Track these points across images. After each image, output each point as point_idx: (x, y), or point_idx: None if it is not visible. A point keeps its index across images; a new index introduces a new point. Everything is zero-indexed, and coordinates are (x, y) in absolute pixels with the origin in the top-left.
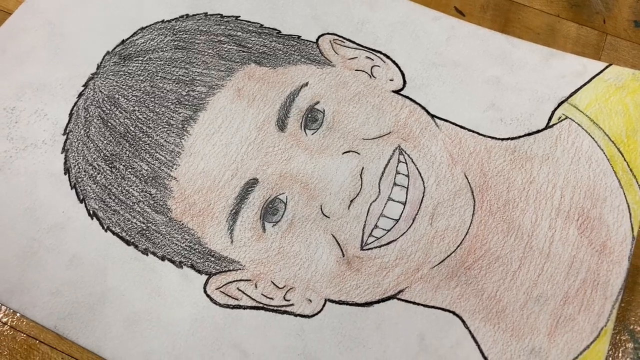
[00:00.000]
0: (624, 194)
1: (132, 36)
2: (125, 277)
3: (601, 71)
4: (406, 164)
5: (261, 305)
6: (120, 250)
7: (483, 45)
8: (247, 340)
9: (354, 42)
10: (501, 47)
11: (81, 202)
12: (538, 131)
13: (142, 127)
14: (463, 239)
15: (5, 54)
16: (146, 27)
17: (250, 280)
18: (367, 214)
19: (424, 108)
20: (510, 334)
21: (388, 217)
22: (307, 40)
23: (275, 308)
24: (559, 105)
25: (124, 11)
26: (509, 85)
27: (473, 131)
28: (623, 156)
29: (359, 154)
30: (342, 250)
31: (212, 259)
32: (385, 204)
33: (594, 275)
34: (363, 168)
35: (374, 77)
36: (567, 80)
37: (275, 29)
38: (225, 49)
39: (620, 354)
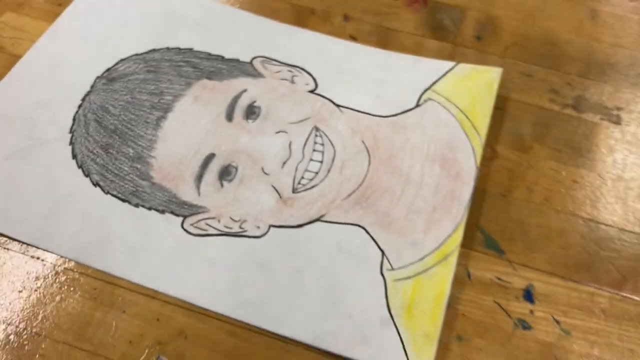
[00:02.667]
0: (470, 142)
1: (114, 65)
2: (124, 223)
3: (452, 67)
4: (321, 137)
5: (223, 232)
6: (118, 206)
7: (370, 58)
8: (215, 256)
9: (278, 61)
10: (383, 58)
11: (86, 176)
12: (410, 109)
13: (127, 125)
14: (363, 181)
15: (22, 82)
16: (124, 58)
17: (214, 217)
18: (296, 170)
19: (331, 101)
20: (397, 235)
21: (310, 171)
22: (244, 61)
23: (234, 234)
24: (424, 92)
25: (108, 49)
26: (390, 83)
27: (366, 113)
28: (468, 119)
29: (287, 132)
30: (279, 194)
31: (186, 206)
32: (308, 163)
33: (452, 193)
34: (291, 141)
35: (294, 83)
36: (429, 75)
37: (220, 55)
38: (184, 70)
39: (471, 240)
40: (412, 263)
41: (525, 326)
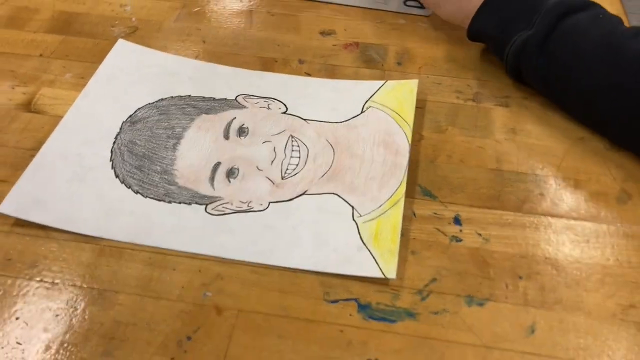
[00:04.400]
0: (403, 130)
1: (134, 113)
2: (163, 215)
3: (383, 84)
4: (296, 141)
5: (236, 211)
6: (156, 204)
7: (323, 85)
8: (234, 226)
9: (255, 96)
10: (332, 84)
11: (128, 188)
12: (358, 115)
13: (152, 151)
14: (331, 165)
15: (69, 131)
16: (141, 107)
17: (228, 202)
18: (281, 165)
19: (299, 117)
20: (360, 195)
21: (292, 164)
22: (230, 99)
23: (244, 210)
24: (365, 102)
25: (127, 102)
26: (340, 100)
27: (326, 121)
28: (399, 115)
29: (271, 141)
30: (272, 182)
31: (206, 198)
32: (290, 159)
33: (394, 163)
34: (275, 146)
35: (270, 109)
36: (367, 91)
37: (212, 97)
38: (187, 110)
39: (413, 192)
40: (374, 210)
41: (458, 240)
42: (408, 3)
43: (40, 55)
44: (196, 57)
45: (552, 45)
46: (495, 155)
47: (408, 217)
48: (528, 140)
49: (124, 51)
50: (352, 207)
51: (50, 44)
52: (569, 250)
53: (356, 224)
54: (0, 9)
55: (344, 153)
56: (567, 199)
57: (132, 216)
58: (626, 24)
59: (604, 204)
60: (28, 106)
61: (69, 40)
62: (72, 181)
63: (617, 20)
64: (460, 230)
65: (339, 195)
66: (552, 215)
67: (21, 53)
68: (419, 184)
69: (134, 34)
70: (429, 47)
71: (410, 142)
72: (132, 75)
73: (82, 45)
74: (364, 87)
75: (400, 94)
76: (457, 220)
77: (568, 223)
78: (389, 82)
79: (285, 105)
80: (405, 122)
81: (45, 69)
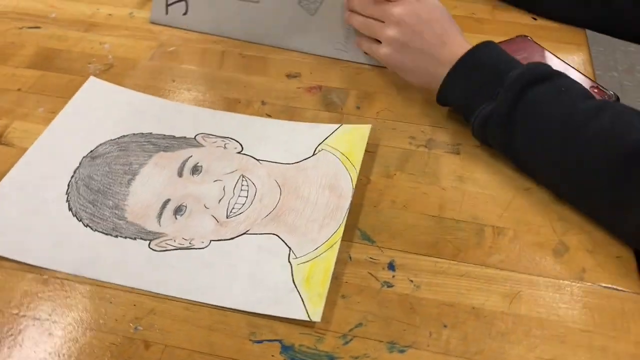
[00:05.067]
0: (349, 173)
1: (95, 148)
2: (108, 248)
3: (337, 128)
4: (246, 181)
5: (178, 247)
6: (103, 238)
7: (281, 127)
8: (174, 263)
9: (214, 135)
10: (290, 126)
11: (79, 221)
12: (309, 157)
13: (107, 186)
14: (276, 206)
15: (31, 163)
16: (102, 143)
17: (171, 239)
18: (228, 204)
19: (253, 157)
20: (300, 236)
21: (239, 204)
22: (190, 138)
23: (185, 247)
24: (318, 145)
25: (90, 137)
26: (294, 142)
27: (278, 162)
28: (348, 159)
29: (222, 180)
30: (217, 220)
31: (151, 234)
32: (237, 198)
33: (337, 206)
34: (224, 185)
35: (226, 148)
36: (322, 134)
37: (172, 135)
38: (146, 147)
39: (352, 236)
40: (310, 252)
41: (389, 285)
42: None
43: (19, 89)
44: (164, 96)
45: (514, 121)
46: (438, 202)
47: (344, 260)
48: (474, 189)
49: (93, 88)
50: (290, 249)
51: (29, 79)
52: (497, 301)
53: (291, 265)
54: None
55: (290, 194)
56: (503, 249)
57: (79, 249)
58: (592, 76)
59: (540, 256)
60: (0, 138)
61: (47, 75)
62: (26, 213)
63: (580, 92)
64: (393, 276)
65: (278, 236)
66: (486, 265)
67: (0, 87)
68: (359, 228)
69: (108, 71)
70: (390, 92)
71: (354, 186)
72: (98, 112)
73: (58, 81)
74: (320, 130)
75: (352, 138)
76: (391, 266)
77: (500, 273)
78: (344, 126)
79: (242, 145)
80: (353, 166)
81: (21, 103)
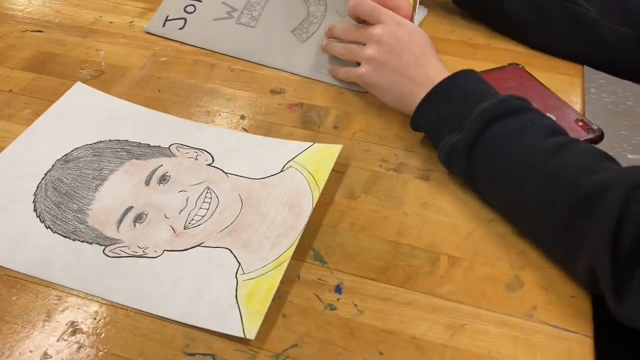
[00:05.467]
0: (311, 192)
1: (70, 152)
2: (65, 251)
3: (310, 146)
4: (210, 193)
5: (131, 255)
6: (62, 240)
7: (254, 142)
8: (124, 271)
9: (188, 146)
10: (263, 142)
11: (41, 222)
12: (276, 174)
13: (75, 189)
14: (234, 220)
15: (4, 163)
16: (78, 147)
17: (126, 245)
18: (188, 215)
19: (222, 170)
20: (251, 253)
21: (199, 215)
22: (164, 147)
23: (138, 255)
24: (287, 162)
25: (67, 141)
26: (265, 157)
27: (244, 177)
28: (313, 178)
29: (186, 191)
30: (174, 230)
31: (108, 239)
32: (198, 210)
33: (293, 225)
34: (188, 197)
35: (197, 160)
36: (293, 152)
37: (147, 143)
38: (120, 154)
39: (304, 255)
40: (257, 269)
41: (332, 308)
42: None
43: (10, 90)
44: (147, 104)
45: (477, 153)
46: (398, 227)
47: (292, 279)
48: (436, 216)
49: (79, 93)
50: (239, 264)
51: (21, 81)
52: (439, 332)
53: (237, 281)
54: None
55: (251, 209)
56: (455, 279)
57: (36, 249)
58: (581, 109)
59: (492, 289)
60: None
61: (39, 78)
62: None
63: (546, 128)
64: (338, 299)
65: (231, 251)
66: (434, 295)
67: None
68: (314, 248)
69: (99, 78)
70: (370, 113)
71: (314, 205)
72: (79, 117)
73: (49, 84)
74: (291, 147)
75: (321, 157)
76: (338, 289)
77: (447, 304)
78: (316, 144)
79: (212, 158)
80: (317, 185)
81: (9, 104)
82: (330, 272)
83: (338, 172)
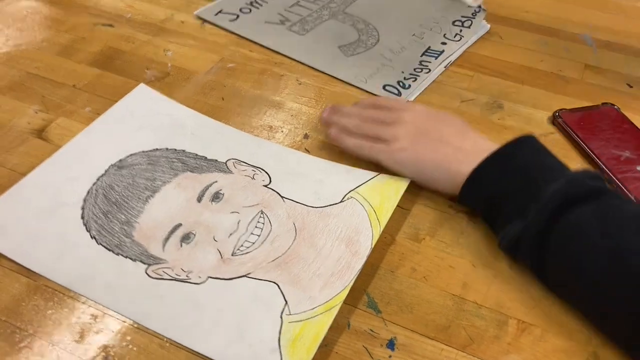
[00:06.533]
0: (372, 229)
1: (125, 158)
2: (107, 265)
3: (374, 176)
4: (264, 218)
5: (173, 278)
6: (105, 253)
7: (315, 165)
8: (163, 295)
9: (246, 163)
10: (325, 166)
11: (87, 231)
12: (336, 203)
13: (125, 199)
14: (286, 251)
15: (59, 163)
16: (134, 153)
17: (170, 267)
18: (238, 240)
19: (278, 193)
20: (300, 290)
21: (249, 242)
22: (221, 161)
23: (181, 280)
24: (349, 192)
25: (123, 146)
26: (326, 184)
27: (302, 203)
28: (375, 213)
29: (239, 213)
30: (221, 255)
31: (152, 258)
32: (249, 235)
33: (348, 264)
34: (240, 219)
35: (254, 179)
36: (356, 181)
37: (204, 156)
38: (175, 164)
39: (357, 300)
40: (305, 311)
41: None
42: (387, 88)
43: (74, 86)
44: (209, 113)
45: (548, 247)
46: (464, 279)
47: (342, 326)
48: (508, 272)
49: (140, 96)
50: (286, 302)
51: (86, 77)
52: None
53: (282, 321)
54: (62, 37)
55: (305, 241)
56: (524, 349)
57: (79, 262)
58: None
59: None
60: (41, 133)
61: (104, 75)
62: (41, 214)
63: (632, 219)
64: (390, 357)
65: (278, 286)
66: None
67: (58, 81)
68: (368, 293)
69: (163, 80)
70: None
71: (373, 245)
72: (139, 120)
73: (112, 82)
74: (354, 176)
75: (385, 191)
76: (391, 344)
77: None
78: (381, 175)
79: (270, 178)
80: (378, 221)
81: (72, 100)
82: (384, 324)
83: (403, 209)
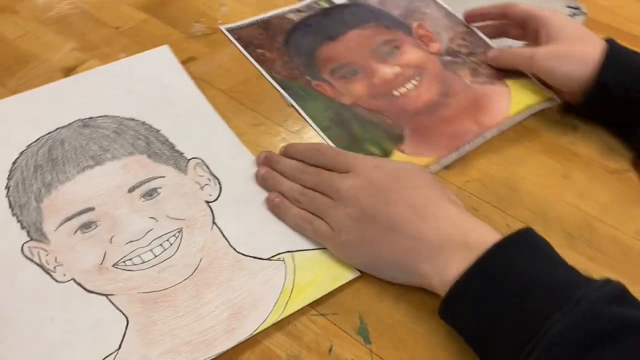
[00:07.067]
0: (272, 310)
1: (96, 117)
2: None
3: (321, 248)
4: (176, 239)
5: (38, 264)
6: (3, 208)
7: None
8: (18, 280)
9: (208, 169)
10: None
11: (7, 178)
12: (260, 259)
13: (64, 160)
14: (165, 289)
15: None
16: (106, 115)
17: (46, 252)
18: (131, 252)
19: (214, 215)
20: (142, 344)
21: (141, 259)
22: (184, 156)
23: (45, 269)
24: (283, 252)
25: (105, 105)
26: (267, 230)
27: (228, 241)
28: (292, 291)
29: (156, 222)
30: (103, 261)
31: (39, 234)
32: (146, 252)
33: (211, 341)
34: (151, 229)
35: (202, 190)
36: (301, 242)
37: (173, 145)
38: (138, 143)
39: (347, 323)
40: None
41: None
42: None
43: (117, 28)
44: (224, 97)
45: None
46: None
47: (323, 349)
48: None
49: (156, 58)
50: (119, 349)
51: (132, 20)
52: None
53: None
54: None
55: (194, 286)
56: None
57: None
58: None
59: None
60: (69, 71)
61: (150, 22)
62: None
63: None
64: None
65: (127, 325)
66: None
67: (102, 20)
68: (362, 317)
69: (208, 37)
70: (493, 161)
71: (256, 331)
72: (134, 84)
73: (156, 31)
74: (302, 236)
75: (324, 271)
76: None
77: None
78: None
79: (219, 195)
80: (286, 305)
81: (110, 43)
82: (370, 357)
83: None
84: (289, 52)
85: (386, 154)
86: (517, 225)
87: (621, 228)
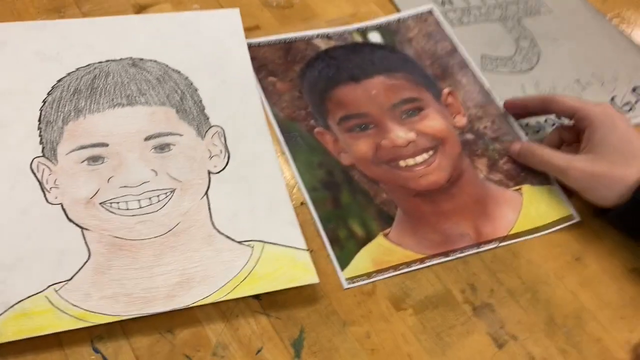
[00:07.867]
0: (217, 292)
1: (147, 60)
2: (20, 127)
3: (304, 249)
4: (166, 197)
5: (40, 181)
6: (33, 119)
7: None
8: (21, 188)
9: (225, 141)
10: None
11: (48, 93)
12: (231, 239)
13: (102, 92)
14: (133, 240)
15: (87, 28)
16: (156, 60)
17: (50, 171)
18: (122, 197)
19: (208, 187)
20: (89, 284)
21: (127, 208)
22: (209, 122)
23: (42, 188)
24: (256, 240)
25: (156, 50)
26: (252, 214)
27: (211, 215)
28: (245, 280)
29: (156, 175)
30: (94, 196)
31: (51, 153)
32: (132, 203)
33: (144, 303)
34: (147, 182)
35: (210, 159)
36: (278, 234)
37: (204, 107)
38: (173, 96)
39: (286, 329)
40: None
41: None
42: None
43: None
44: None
45: None
46: None
47: (252, 350)
48: None
49: (225, 19)
50: (70, 280)
51: None
52: None
53: (43, 290)
54: None
55: (159, 247)
56: None
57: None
58: None
59: None
60: (140, 10)
61: None
62: (38, 56)
63: None
64: None
65: (86, 262)
66: None
67: None
68: (304, 328)
69: (283, 10)
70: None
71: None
72: (198, 40)
73: None
74: (285, 231)
75: (289, 272)
76: None
77: None
78: (306, 253)
79: (224, 168)
80: (229, 293)
81: None
82: None
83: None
84: (302, 86)
85: (369, 236)
86: (501, 294)
87: (612, 332)
